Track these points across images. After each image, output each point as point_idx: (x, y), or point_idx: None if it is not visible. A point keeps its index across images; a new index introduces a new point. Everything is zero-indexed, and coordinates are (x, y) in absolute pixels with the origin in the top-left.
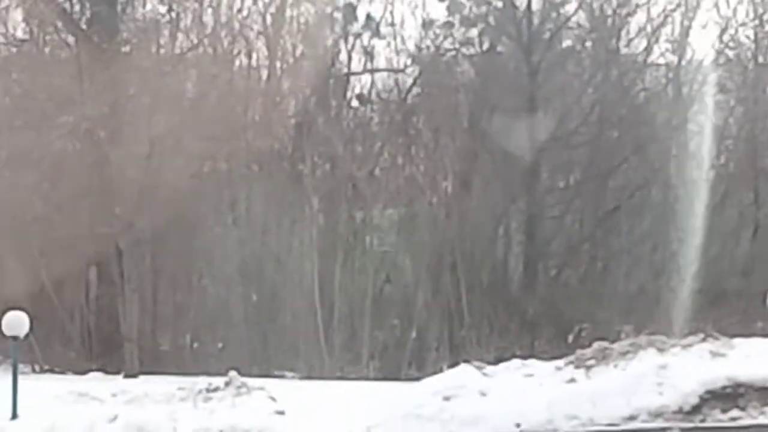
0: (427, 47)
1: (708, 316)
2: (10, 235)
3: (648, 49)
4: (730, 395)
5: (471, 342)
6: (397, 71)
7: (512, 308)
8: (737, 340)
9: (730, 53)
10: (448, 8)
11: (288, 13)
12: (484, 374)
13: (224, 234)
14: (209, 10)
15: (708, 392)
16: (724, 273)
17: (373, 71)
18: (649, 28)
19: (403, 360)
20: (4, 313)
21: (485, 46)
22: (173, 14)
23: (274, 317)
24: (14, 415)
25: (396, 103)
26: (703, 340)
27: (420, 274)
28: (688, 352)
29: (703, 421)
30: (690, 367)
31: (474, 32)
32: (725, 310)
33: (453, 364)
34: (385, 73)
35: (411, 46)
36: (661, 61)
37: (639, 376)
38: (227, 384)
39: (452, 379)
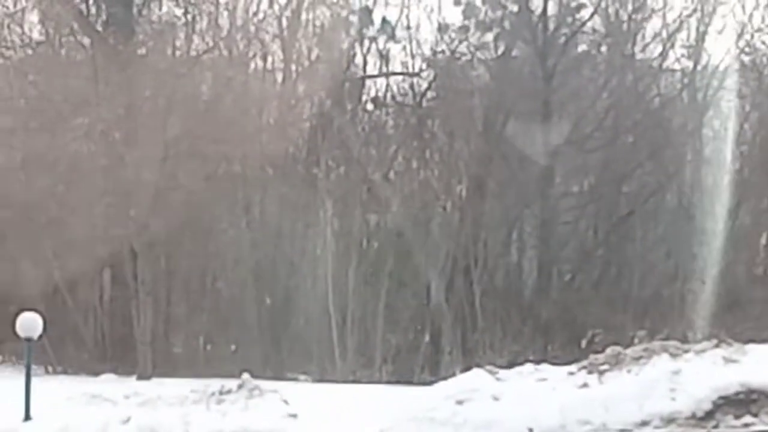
0: (443, 51)
1: (721, 321)
2: (25, 236)
3: (663, 54)
4: (743, 401)
5: (484, 346)
6: (412, 75)
7: (525, 313)
8: (750, 346)
9: (746, 59)
10: (464, 12)
11: (304, 16)
12: (497, 378)
13: (238, 237)
14: (225, 13)
15: (721, 398)
16: (737, 279)
17: (388, 75)
18: (664, 34)
19: (416, 364)
20: (18, 314)
21: (500, 50)
22: (189, 17)
23: (288, 320)
24: (27, 416)
25: (411, 106)
26: (717, 345)
27: (434, 277)
28: (701, 358)
29: (716, 427)
30: (703, 372)
31: (489, 36)
32: (739, 316)
33: (466, 369)
34: (400, 77)
35: (426, 49)
36: (677, 66)
37: (652, 381)
38: (240, 387)
39: (465, 383)
